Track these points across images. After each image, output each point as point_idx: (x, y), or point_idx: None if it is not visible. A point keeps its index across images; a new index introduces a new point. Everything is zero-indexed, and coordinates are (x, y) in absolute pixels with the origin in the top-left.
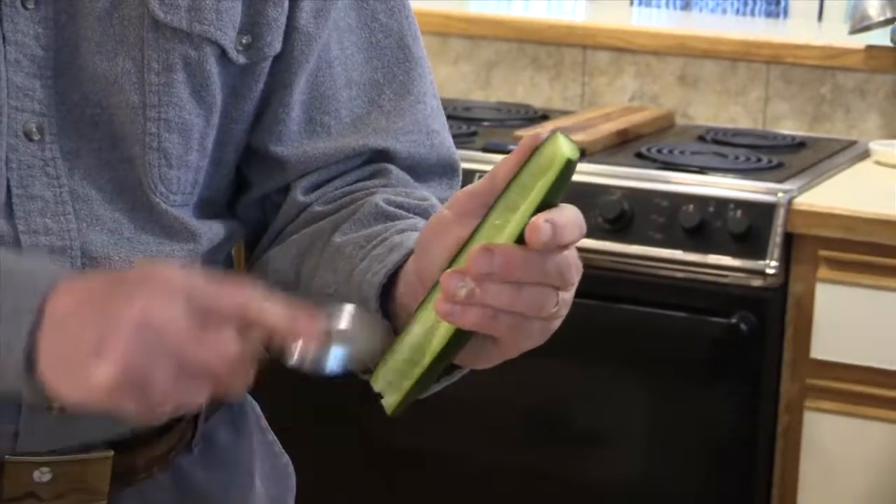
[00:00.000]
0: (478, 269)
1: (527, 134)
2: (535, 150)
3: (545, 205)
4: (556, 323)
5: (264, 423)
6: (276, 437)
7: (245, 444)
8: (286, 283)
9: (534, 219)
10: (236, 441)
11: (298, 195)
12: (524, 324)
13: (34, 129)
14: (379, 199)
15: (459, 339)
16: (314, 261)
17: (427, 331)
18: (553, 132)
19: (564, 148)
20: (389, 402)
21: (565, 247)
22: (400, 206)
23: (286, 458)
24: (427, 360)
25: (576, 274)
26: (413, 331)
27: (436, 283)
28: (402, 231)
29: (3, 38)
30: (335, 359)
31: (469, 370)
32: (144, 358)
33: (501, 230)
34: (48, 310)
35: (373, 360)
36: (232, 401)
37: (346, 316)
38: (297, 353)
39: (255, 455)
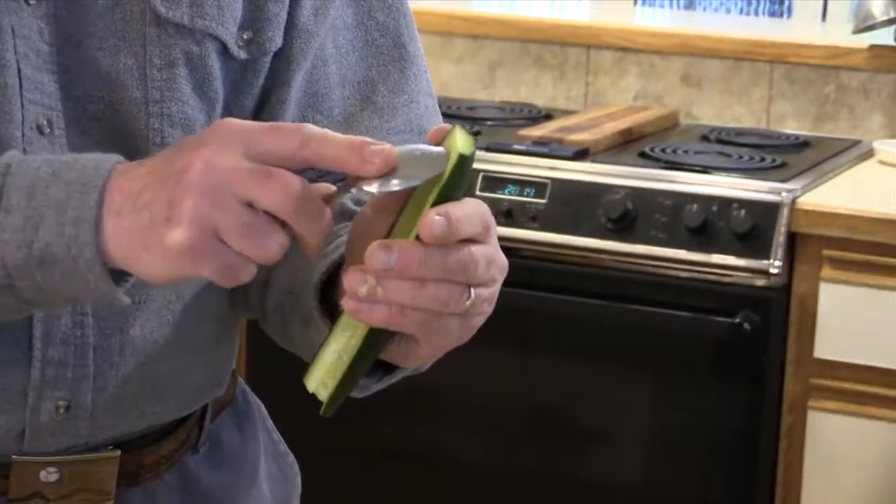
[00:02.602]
0: (375, 265)
1: (442, 126)
2: (438, 144)
3: (443, 199)
4: (478, 320)
5: (270, 422)
6: (281, 437)
7: (251, 443)
8: (262, 280)
9: (426, 213)
10: (242, 441)
11: None
12: (435, 320)
13: (45, 123)
14: (347, 197)
15: (376, 337)
16: (283, 258)
17: (351, 330)
18: (452, 126)
19: (459, 143)
20: (321, 401)
21: (466, 241)
22: None
23: (291, 458)
24: (346, 358)
25: (487, 269)
26: (338, 331)
27: None
28: None
29: (13, 31)
30: (400, 180)
31: (413, 371)
32: (214, 210)
33: (408, 227)
34: (112, 185)
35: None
36: (311, 247)
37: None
38: (363, 182)
39: (260, 454)
